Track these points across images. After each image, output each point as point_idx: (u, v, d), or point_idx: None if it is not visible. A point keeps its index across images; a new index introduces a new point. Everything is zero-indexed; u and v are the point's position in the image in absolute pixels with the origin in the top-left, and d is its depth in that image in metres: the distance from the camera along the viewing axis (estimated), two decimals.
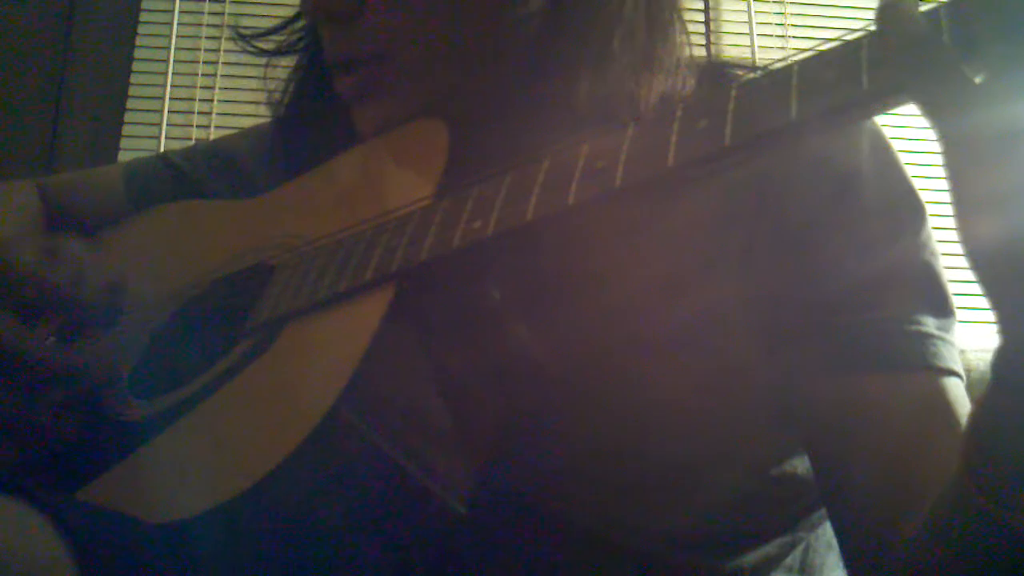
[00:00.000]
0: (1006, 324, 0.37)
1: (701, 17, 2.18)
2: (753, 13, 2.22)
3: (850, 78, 0.41)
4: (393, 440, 0.51)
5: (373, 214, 0.60)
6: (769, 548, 0.63)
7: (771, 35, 2.23)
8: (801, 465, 0.62)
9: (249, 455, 0.49)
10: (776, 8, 2.25)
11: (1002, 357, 0.37)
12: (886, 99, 0.41)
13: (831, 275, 0.58)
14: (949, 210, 0.37)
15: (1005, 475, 0.39)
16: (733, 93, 0.47)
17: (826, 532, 0.65)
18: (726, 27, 2.22)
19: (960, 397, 0.56)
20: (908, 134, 2.01)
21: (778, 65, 0.46)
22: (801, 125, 0.43)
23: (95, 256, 0.79)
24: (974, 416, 0.40)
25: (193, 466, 0.52)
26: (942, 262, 0.60)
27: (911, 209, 0.61)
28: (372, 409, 0.50)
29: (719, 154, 0.46)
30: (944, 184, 0.37)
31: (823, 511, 0.63)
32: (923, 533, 0.46)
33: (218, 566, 0.46)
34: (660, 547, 0.60)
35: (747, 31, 2.21)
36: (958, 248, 0.37)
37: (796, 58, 0.46)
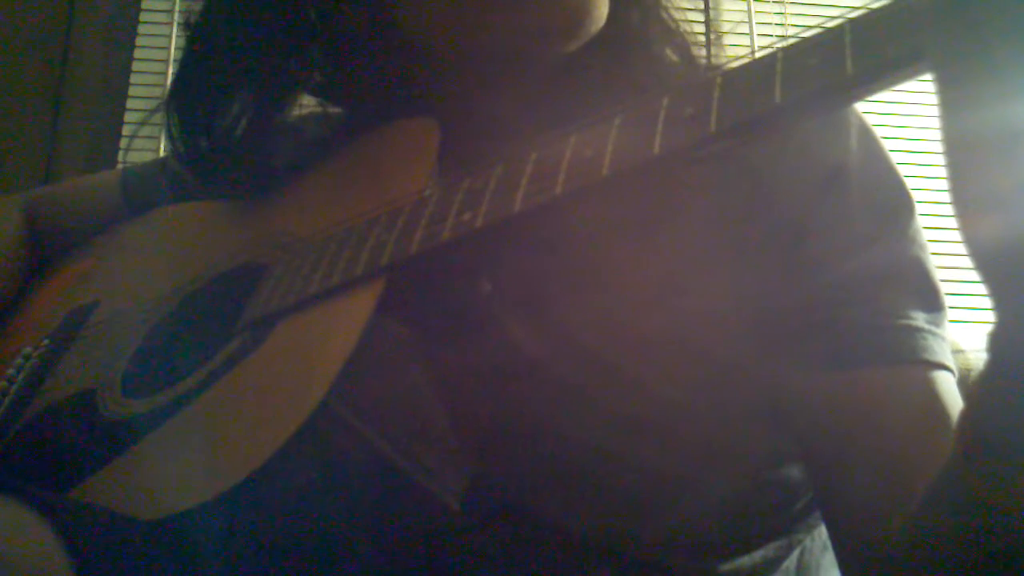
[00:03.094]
0: (1007, 313, 0.36)
1: (701, 17, 2.18)
2: (753, 13, 2.22)
3: (834, 63, 0.42)
4: (384, 434, 0.51)
5: (366, 211, 0.60)
6: (766, 552, 0.63)
7: (771, 35, 2.23)
8: (797, 468, 0.62)
9: (239, 450, 0.49)
10: (776, 8, 2.25)
11: (1001, 338, 0.37)
12: (870, 83, 0.41)
13: (821, 271, 0.58)
14: (947, 208, 0.37)
15: (1002, 458, 0.39)
16: (718, 80, 0.47)
17: (822, 534, 0.65)
18: (726, 27, 2.22)
19: (951, 391, 0.56)
20: (908, 134, 2.01)
21: (763, 53, 0.46)
22: (786, 110, 0.43)
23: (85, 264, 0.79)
24: (970, 399, 0.40)
25: (185, 462, 0.52)
26: (931, 256, 0.60)
27: (900, 203, 0.61)
28: (363, 403, 0.50)
29: (705, 141, 0.46)
30: (943, 182, 0.37)
31: (819, 513, 0.63)
32: (916, 519, 0.46)
33: (213, 563, 0.46)
34: (655, 551, 0.60)
35: (747, 31, 2.21)
36: (952, 247, 0.36)
37: (780, 45, 0.46)
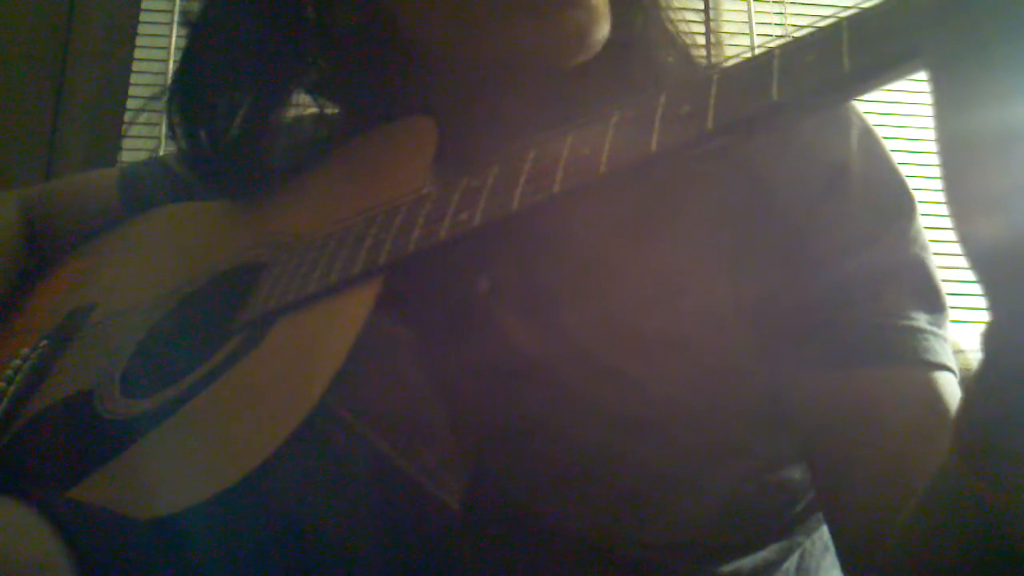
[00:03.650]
0: (1002, 313, 0.36)
1: (701, 17, 2.18)
2: (753, 13, 2.22)
3: (831, 60, 0.42)
4: (383, 433, 0.51)
5: (365, 209, 0.61)
6: (767, 553, 0.63)
7: (771, 35, 2.23)
8: (798, 470, 0.62)
9: (238, 449, 0.49)
10: (776, 8, 2.25)
11: (996, 337, 0.37)
12: (867, 80, 0.41)
13: (822, 270, 0.58)
14: (945, 209, 0.37)
15: (998, 457, 0.39)
16: (715, 78, 0.47)
17: (822, 535, 0.65)
18: (726, 27, 2.22)
19: (952, 392, 0.56)
20: (908, 134, 2.01)
21: (760, 51, 0.46)
22: (782, 107, 0.43)
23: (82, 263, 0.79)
24: (966, 398, 0.40)
25: (183, 461, 0.52)
26: (933, 256, 0.60)
27: (901, 203, 0.61)
28: (362, 402, 0.50)
29: (702, 139, 0.46)
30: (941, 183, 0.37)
31: (820, 515, 0.63)
32: (915, 518, 0.46)
33: (212, 563, 0.46)
34: (655, 554, 0.60)
35: (747, 31, 2.21)
36: (953, 247, 0.36)
37: (777, 43, 0.46)
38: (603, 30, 0.62)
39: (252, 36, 0.69)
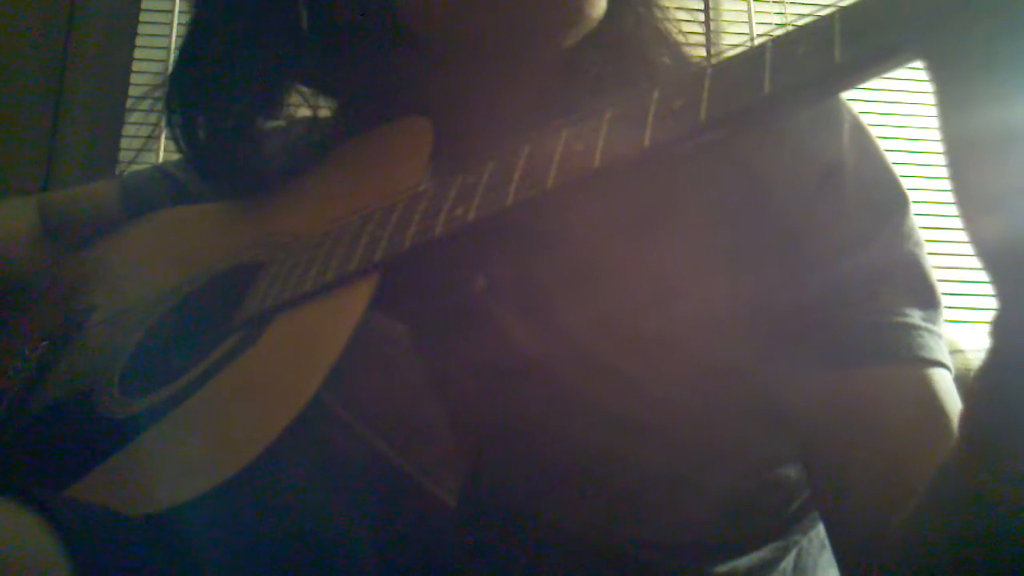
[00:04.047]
0: (1010, 306, 0.36)
1: (701, 17, 2.18)
2: (753, 13, 2.22)
3: (823, 51, 0.42)
4: (380, 431, 0.51)
5: (361, 209, 0.61)
6: (764, 553, 0.63)
7: (771, 35, 2.23)
8: (794, 469, 0.62)
9: (233, 444, 0.49)
10: (776, 8, 2.25)
11: (1004, 325, 0.37)
12: (859, 71, 0.41)
13: (817, 270, 0.58)
14: (947, 208, 0.37)
15: (1006, 450, 0.39)
16: (708, 72, 0.47)
17: (819, 533, 0.65)
18: (726, 27, 2.22)
19: (948, 389, 0.56)
20: (908, 134, 2.01)
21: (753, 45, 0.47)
22: (774, 99, 0.43)
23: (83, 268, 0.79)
24: (973, 388, 0.40)
25: (180, 458, 0.52)
26: (927, 253, 0.60)
27: (894, 200, 0.61)
28: (358, 400, 0.51)
29: (695, 132, 0.46)
30: (942, 182, 0.37)
31: (816, 513, 0.63)
32: (917, 515, 0.46)
33: (210, 562, 0.46)
34: (653, 553, 0.60)
35: (747, 31, 2.21)
36: (951, 246, 0.37)
37: (770, 36, 0.46)
38: (601, 3, 0.62)
39: (250, 27, 0.69)
